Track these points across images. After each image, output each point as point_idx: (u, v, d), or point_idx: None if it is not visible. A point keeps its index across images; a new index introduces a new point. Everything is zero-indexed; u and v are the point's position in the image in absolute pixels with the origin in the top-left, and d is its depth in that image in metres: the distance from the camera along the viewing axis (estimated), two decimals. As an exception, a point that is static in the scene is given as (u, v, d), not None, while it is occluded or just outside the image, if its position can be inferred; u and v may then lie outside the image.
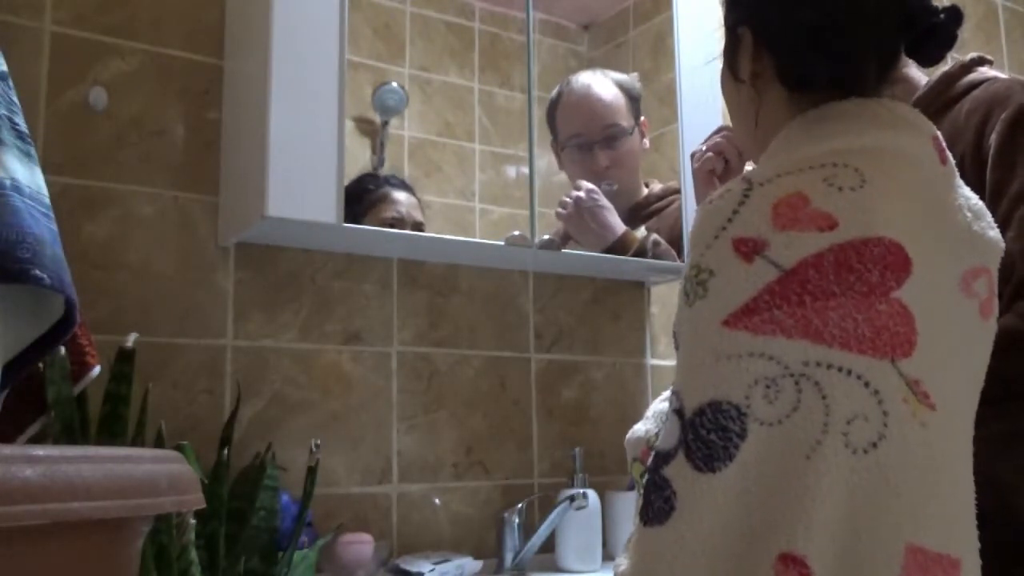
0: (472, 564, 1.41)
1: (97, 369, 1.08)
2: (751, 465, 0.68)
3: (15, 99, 0.95)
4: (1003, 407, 0.89)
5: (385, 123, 1.60)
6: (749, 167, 1.09)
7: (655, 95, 1.76)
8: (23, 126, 0.95)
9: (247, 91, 1.34)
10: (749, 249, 0.71)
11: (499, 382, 1.61)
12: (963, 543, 0.74)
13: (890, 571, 0.67)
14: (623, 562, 0.74)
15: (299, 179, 1.25)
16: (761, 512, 0.68)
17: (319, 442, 1.20)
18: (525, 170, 1.55)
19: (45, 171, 0.99)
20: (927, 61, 0.88)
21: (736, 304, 0.70)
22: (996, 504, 0.80)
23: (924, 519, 0.70)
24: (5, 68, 0.96)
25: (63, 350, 1.03)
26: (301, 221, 1.27)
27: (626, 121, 1.72)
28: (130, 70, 1.36)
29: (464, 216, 1.71)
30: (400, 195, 1.56)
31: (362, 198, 1.51)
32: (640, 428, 0.90)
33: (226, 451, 1.14)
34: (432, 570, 1.33)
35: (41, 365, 1.01)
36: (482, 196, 1.71)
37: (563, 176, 1.74)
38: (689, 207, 1.60)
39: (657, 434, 0.86)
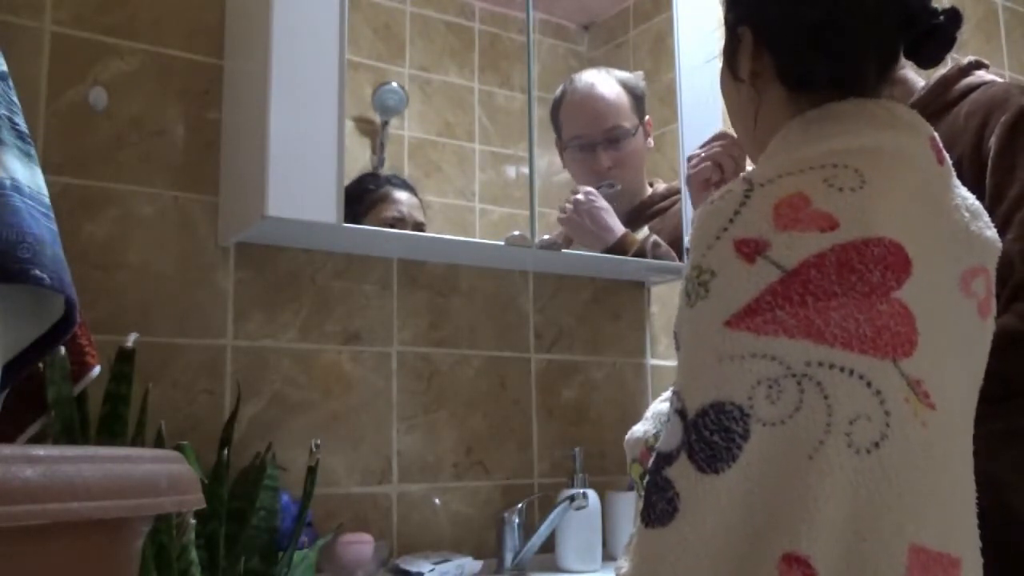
0: (472, 564, 1.41)
1: (97, 369, 1.08)
2: (754, 466, 0.68)
3: (15, 99, 0.96)
4: (1002, 406, 0.89)
5: (385, 123, 1.60)
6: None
7: (655, 95, 1.76)
8: (23, 126, 0.95)
9: (247, 91, 1.34)
10: (751, 250, 0.71)
11: (499, 382, 1.61)
12: (963, 542, 0.74)
13: (894, 572, 0.67)
14: (624, 564, 0.74)
15: (299, 179, 1.25)
16: (764, 513, 0.68)
17: (319, 442, 1.19)
18: (525, 170, 1.55)
19: (45, 171, 0.99)
20: (926, 63, 0.88)
21: (738, 305, 0.70)
22: (994, 502, 0.81)
23: (925, 519, 0.70)
24: (5, 68, 0.96)
25: (63, 350, 1.03)
26: (301, 221, 1.27)
27: (629, 122, 1.71)
28: (130, 70, 1.36)
29: (464, 216, 1.71)
30: (402, 195, 1.56)
31: (363, 198, 1.51)
32: (639, 429, 0.90)
33: (226, 451, 1.14)
34: (432, 570, 1.33)
35: (41, 365, 1.01)
36: (482, 196, 1.71)
37: (563, 176, 1.74)
38: (688, 209, 1.60)
39: (656, 435, 0.86)
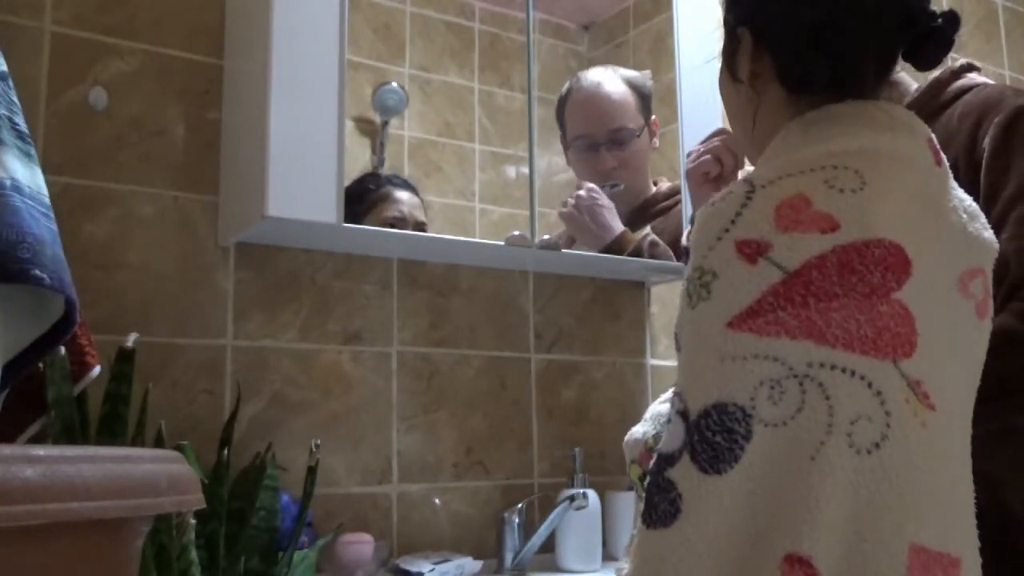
0: (472, 564, 1.41)
1: (97, 369, 1.08)
2: (756, 466, 0.69)
3: (15, 99, 0.95)
4: (998, 405, 0.90)
5: (385, 123, 1.60)
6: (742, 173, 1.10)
7: (655, 95, 1.76)
8: (23, 126, 0.95)
9: (247, 91, 1.34)
10: (752, 251, 0.71)
11: (499, 382, 1.61)
12: (963, 542, 0.74)
13: (895, 572, 0.67)
14: (625, 565, 0.74)
15: (299, 179, 1.25)
16: (766, 513, 0.68)
17: (319, 442, 1.19)
18: (525, 170, 1.55)
19: (45, 171, 0.99)
20: (924, 64, 0.88)
21: (740, 306, 0.71)
22: (991, 501, 0.81)
23: (925, 519, 0.70)
24: (5, 68, 0.96)
25: (63, 350, 1.03)
26: (301, 221, 1.27)
27: (634, 122, 1.71)
28: (130, 70, 1.36)
29: (464, 216, 1.70)
30: (402, 195, 1.56)
31: (364, 197, 1.51)
32: (638, 430, 0.90)
33: (226, 451, 1.14)
34: (432, 570, 1.33)
35: (41, 365, 1.01)
36: (482, 196, 1.71)
37: (564, 176, 1.74)
38: (687, 208, 1.60)
39: (655, 436, 0.86)
